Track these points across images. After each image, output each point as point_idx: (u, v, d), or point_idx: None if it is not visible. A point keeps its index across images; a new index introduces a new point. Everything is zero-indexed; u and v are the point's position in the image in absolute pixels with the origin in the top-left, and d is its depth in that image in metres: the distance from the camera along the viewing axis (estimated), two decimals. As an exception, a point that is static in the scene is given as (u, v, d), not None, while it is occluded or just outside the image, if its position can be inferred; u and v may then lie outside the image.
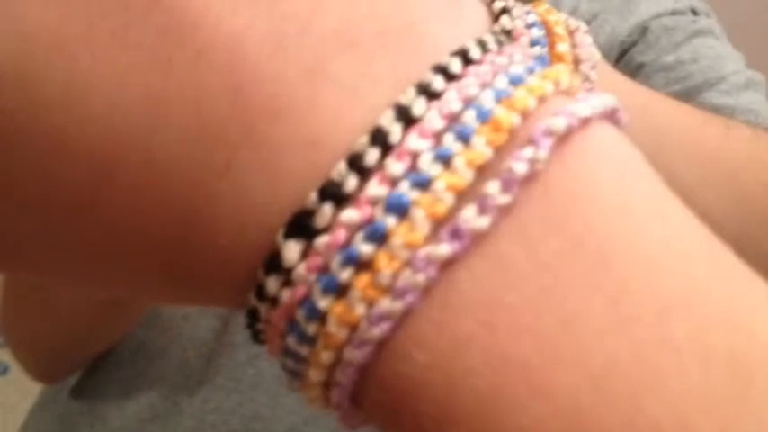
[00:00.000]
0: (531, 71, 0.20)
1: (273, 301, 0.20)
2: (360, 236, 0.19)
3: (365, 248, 0.18)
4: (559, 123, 0.19)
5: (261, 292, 0.20)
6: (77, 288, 0.21)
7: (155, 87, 0.18)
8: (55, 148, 0.19)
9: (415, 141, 0.19)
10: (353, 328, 0.19)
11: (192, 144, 0.19)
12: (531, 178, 0.19)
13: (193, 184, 0.19)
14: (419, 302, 0.18)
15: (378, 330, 0.18)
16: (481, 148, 0.19)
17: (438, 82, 0.19)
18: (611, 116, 0.21)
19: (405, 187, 0.19)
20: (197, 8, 0.18)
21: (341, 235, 0.19)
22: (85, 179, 0.19)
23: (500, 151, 0.19)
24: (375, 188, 0.19)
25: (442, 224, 0.19)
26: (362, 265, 0.19)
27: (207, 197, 0.19)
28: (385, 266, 0.18)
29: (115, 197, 0.19)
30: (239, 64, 0.19)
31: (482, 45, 0.21)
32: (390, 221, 0.18)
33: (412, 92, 0.19)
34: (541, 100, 0.20)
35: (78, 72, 0.18)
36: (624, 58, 0.92)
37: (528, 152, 0.19)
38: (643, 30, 0.92)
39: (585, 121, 0.20)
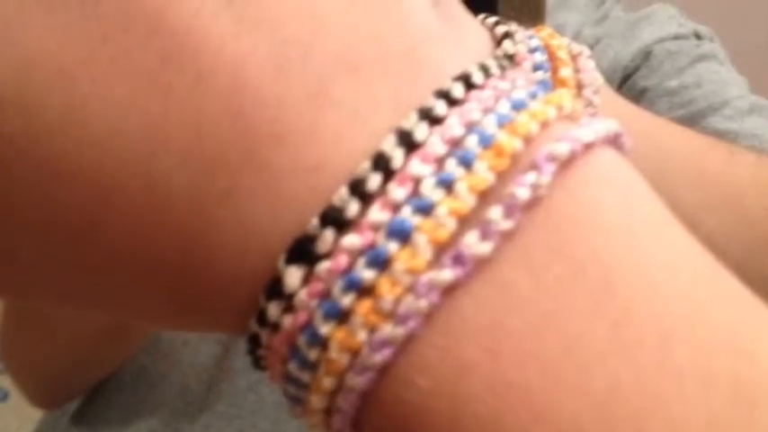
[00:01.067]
0: (533, 96, 0.20)
1: (275, 327, 0.20)
2: (361, 261, 0.18)
3: (367, 274, 0.18)
4: (562, 148, 0.19)
5: (262, 318, 0.20)
6: (77, 312, 0.21)
7: (155, 112, 0.18)
8: (54, 172, 0.18)
9: (417, 166, 0.19)
10: (355, 353, 0.18)
11: (192, 169, 0.19)
12: (533, 203, 0.19)
13: (193, 208, 0.19)
14: (421, 328, 0.18)
15: (379, 356, 0.18)
16: (483, 173, 0.19)
17: (440, 107, 0.19)
18: (614, 141, 0.21)
19: (407, 212, 0.18)
20: (198, 32, 0.18)
21: (342, 260, 0.19)
22: (85, 203, 0.19)
23: (502, 176, 0.19)
24: (377, 213, 0.19)
25: (444, 249, 0.18)
26: (364, 290, 0.18)
27: (207, 222, 0.19)
28: (387, 292, 0.18)
29: (115, 221, 0.19)
30: (241, 88, 0.18)
31: (484, 70, 0.21)
32: (392, 247, 0.18)
33: (414, 117, 0.19)
34: (544, 125, 0.20)
35: (78, 97, 0.18)
36: (627, 82, 0.92)
37: (530, 177, 0.19)
38: (646, 54, 0.92)
39: (588, 146, 0.19)
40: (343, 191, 0.19)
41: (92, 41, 0.18)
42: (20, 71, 0.18)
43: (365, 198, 0.19)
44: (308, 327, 0.19)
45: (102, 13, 0.18)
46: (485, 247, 0.18)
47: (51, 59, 0.18)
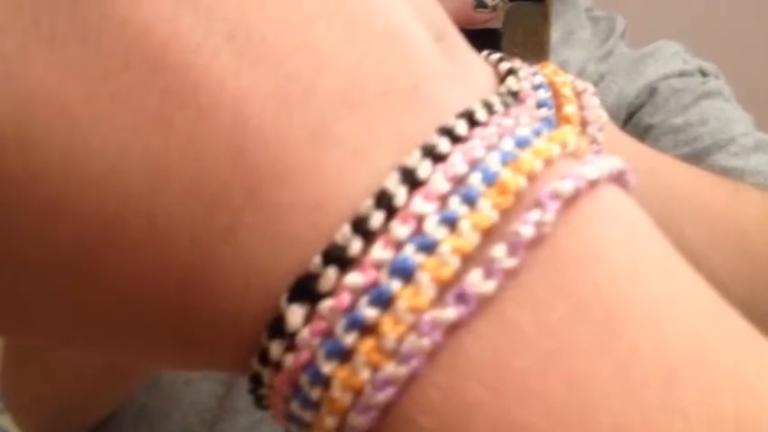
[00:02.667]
0: (537, 133, 0.20)
1: (277, 366, 0.19)
2: (364, 300, 0.18)
3: (370, 313, 0.18)
4: (566, 186, 0.19)
5: (264, 357, 0.19)
6: (78, 352, 0.21)
7: (156, 149, 0.18)
8: (55, 210, 0.18)
9: (420, 204, 0.19)
10: (358, 393, 0.18)
11: (193, 206, 0.18)
12: (537, 241, 0.18)
13: (195, 246, 0.19)
14: (424, 367, 0.18)
15: (382, 396, 0.18)
16: (487, 210, 0.19)
17: (443, 144, 0.19)
18: (618, 178, 0.21)
19: (410, 251, 0.18)
20: (200, 69, 0.18)
21: (345, 299, 0.18)
22: (86, 241, 0.19)
23: (506, 214, 0.19)
24: (380, 252, 0.18)
25: (447, 288, 0.18)
26: (367, 329, 0.18)
27: (208, 260, 0.19)
28: (390, 331, 0.18)
29: (116, 259, 0.19)
30: (242, 125, 0.18)
31: (488, 107, 0.21)
32: (395, 285, 0.18)
33: (417, 154, 0.19)
34: (548, 162, 0.20)
35: (79, 135, 0.18)
36: (632, 119, 0.92)
37: (535, 215, 0.18)
38: (651, 91, 0.92)
39: (593, 184, 0.19)
40: (346, 229, 0.18)
41: (93, 78, 0.18)
42: (20, 109, 0.18)
43: (368, 236, 0.18)
44: (310, 365, 0.19)
45: (103, 50, 0.18)
46: (488, 286, 0.18)
47: (52, 97, 0.18)
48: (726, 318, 0.19)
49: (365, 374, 0.18)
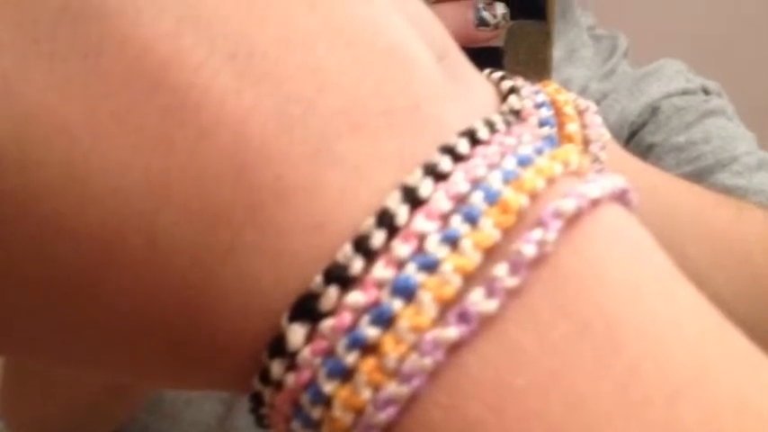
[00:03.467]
0: (539, 152, 0.20)
1: (278, 386, 0.19)
2: (366, 319, 0.18)
3: (371, 332, 0.18)
4: (568, 205, 0.19)
5: (265, 376, 0.19)
6: (78, 371, 0.21)
7: (156, 168, 0.18)
8: (55, 229, 0.18)
9: (421, 223, 0.19)
10: (359, 412, 0.18)
11: (194, 225, 0.18)
12: (539, 260, 0.18)
13: (195, 265, 0.19)
14: (426, 386, 0.18)
15: (384, 415, 0.18)
16: (489, 229, 0.19)
17: (445, 163, 0.19)
18: (620, 197, 0.21)
19: (411, 269, 0.18)
20: (201, 88, 0.18)
21: (346, 318, 0.18)
22: (86, 260, 0.19)
23: (508, 233, 0.19)
24: (381, 271, 0.18)
25: (449, 307, 0.18)
26: (368, 348, 0.18)
27: (209, 279, 0.19)
28: (391, 350, 0.18)
29: (116, 277, 0.19)
30: (243, 144, 0.18)
31: (490, 125, 0.21)
32: (397, 304, 0.18)
33: (419, 173, 0.19)
34: (550, 181, 0.20)
35: (79, 153, 0.18)
36: (635, 138, 0.92)
37: (537, 234, 0.18)
38: (654, 110, 0.92)
39: (595, 203, 0.19)
40: (347, 248, 0.18)
41: (93, 97, 0.18)
42: (20, 126, 0.18)
43: (369, 255, 0.18)
44: (311, 385, 0.19)
45: (103, 69, 0.18)
46: (490, 305, 0.18)
47: (52, 114, 0.18)
48: (728, 337, 0.19)
49: (366, 394, 0.18)
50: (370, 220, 0.19)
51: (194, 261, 0.19)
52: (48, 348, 0.21)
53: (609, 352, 0.18)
